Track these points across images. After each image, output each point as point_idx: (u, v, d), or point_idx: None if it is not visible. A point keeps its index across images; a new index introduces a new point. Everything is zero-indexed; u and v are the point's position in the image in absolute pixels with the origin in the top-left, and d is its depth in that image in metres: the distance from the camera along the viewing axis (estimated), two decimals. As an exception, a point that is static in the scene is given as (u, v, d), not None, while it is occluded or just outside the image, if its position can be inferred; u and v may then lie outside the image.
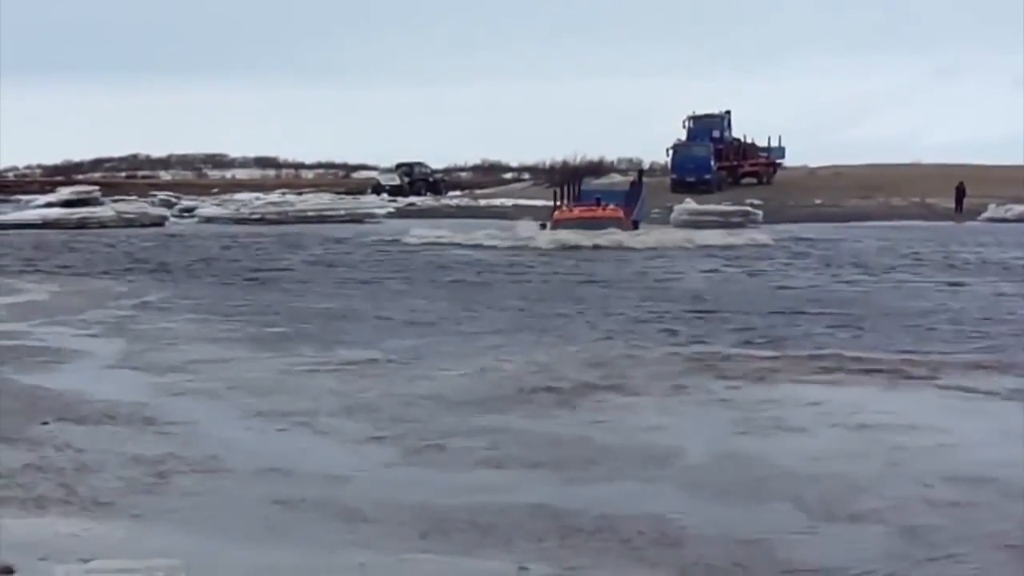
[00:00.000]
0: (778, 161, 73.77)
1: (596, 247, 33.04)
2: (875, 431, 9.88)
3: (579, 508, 7.60)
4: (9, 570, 6.00)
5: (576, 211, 38.65)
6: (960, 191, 59.04)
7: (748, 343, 14.91)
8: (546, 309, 18.71)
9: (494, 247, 34.17)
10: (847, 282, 23.68)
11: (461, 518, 7.43)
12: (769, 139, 73.24)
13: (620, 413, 10.63)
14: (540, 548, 6.86)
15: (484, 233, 37.21)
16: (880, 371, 12.72)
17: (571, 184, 44.06)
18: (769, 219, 46.51)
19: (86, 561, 6.16)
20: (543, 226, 37.52)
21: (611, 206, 38.62)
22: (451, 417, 10.42)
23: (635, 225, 38.36)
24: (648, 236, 36.85)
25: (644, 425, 10.14)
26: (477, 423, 10.16)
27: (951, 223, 50.41)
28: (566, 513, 7.50)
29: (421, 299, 20.29)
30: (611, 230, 35.72)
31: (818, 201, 63.13)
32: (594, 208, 38.35)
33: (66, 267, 27.23)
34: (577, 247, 33.22)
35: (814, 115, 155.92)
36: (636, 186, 43.90)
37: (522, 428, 9.97)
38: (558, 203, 40.58)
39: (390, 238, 37.40)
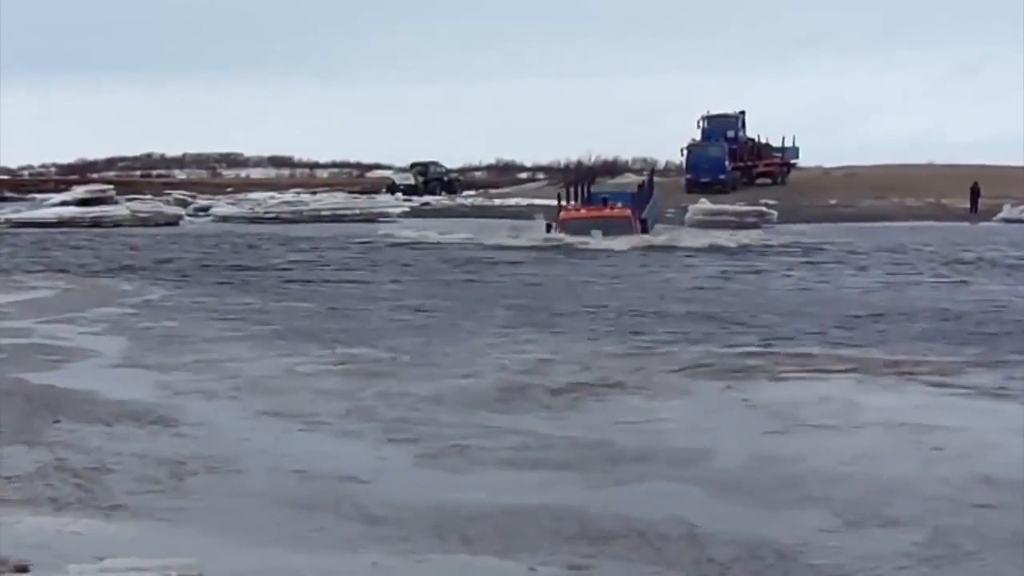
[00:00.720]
0: (792, 161, 73.60)
1: (607, 249, 32.82)
2: (896, 429, 9.92)
3: (601, 511, 7.59)
4: (24, 568, 6.03)
5: (582, 211, 38.18)
6: (975, 191, 58.86)
7: (755, 344, 14.95)
8: (548, 309, 18.72)
9: (500, 247, 34.01)
10: (863, 282, 23.64)
11: (478, 519, 7.44)
12: (783, 139, 73.08)
13: (632, 412, 10.65)
14: (560, 550, 6.87)
15: (492, 232, 37.26)
16: (899, 372, 12.77)
17: (580, 185, 43.64)
18: (784, 219, 46.38)
19: (100, 559, 6.19)
20: (549, 227, 36.94)
21: (618, 205, 38.20)
22: (458, 417, 10.45)
23: (643, 225, 37.83)
24: (656, 236, 36.70)
25: (656, 421, 10.16)
26: (489, 423, 10.19)
27: (966, 224, 50.27)
28: (588, 516, 7.49)
29: (427, 299, 20.35)
30: (617, 230, 35.21)
31: (832, 201, 62.98)
32: (600, 208, 37.90)
33: (78, 265, 27.34)
34: (583, 248, 32.95)
35: (829, 114, 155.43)
36: (646, 187, 43.38)
37: (532, 429, 9.99)
38: (564, 203, 40.26)
39: (400, 238, 37.35)
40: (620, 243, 33.54)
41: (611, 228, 35.45)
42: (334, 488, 8.10)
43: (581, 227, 35.77)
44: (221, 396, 11.40)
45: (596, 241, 33.99)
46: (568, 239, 34.51)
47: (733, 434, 9.85)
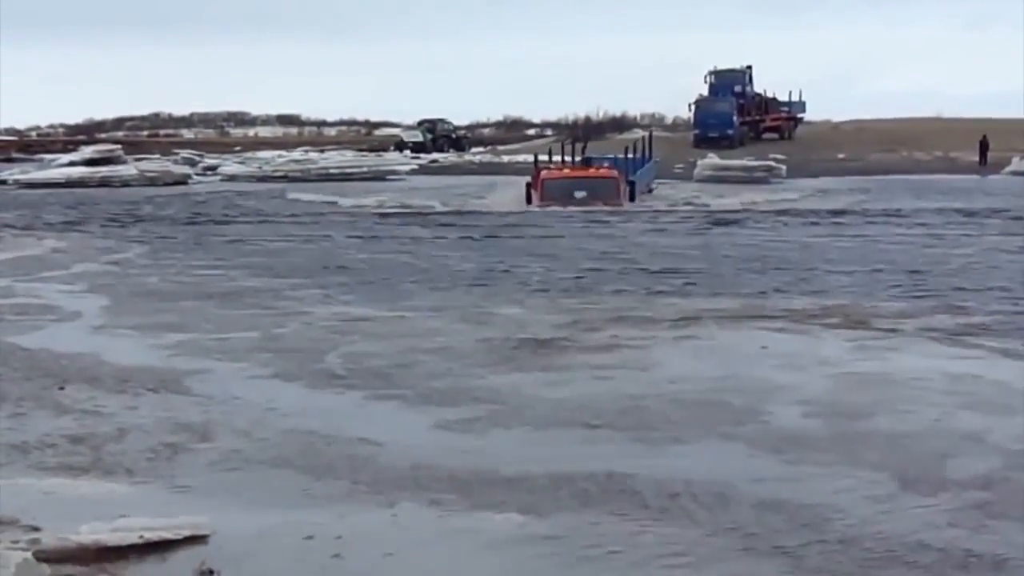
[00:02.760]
0: (799, 115, 73.59)
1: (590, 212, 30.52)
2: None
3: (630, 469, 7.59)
4: (36, 529, 6.10)
5: (565, 170, 35.67)
6: (984, 145, 58.81)
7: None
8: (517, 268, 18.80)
9: (477, 212, 32.47)
10: (879, 237, 23.68)
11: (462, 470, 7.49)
12: (790, 93, 73.10)
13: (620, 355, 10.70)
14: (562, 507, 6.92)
15: (467, 194, 37.10)
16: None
17: (574, 143, 40.86)
18: (793, 174, 46.20)
19: (112, 520, 6.25)
20: (529, 186, 33.99)
21: (605, 166, 35.64)
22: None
23: (631, 189, 34.15)
24: (643, 199, 34.73)
25: (649, 361, 10.20)
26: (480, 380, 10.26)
27: (975, 176, 50.17)
28: (615, 474, 7.48)
29: (400, 255, 20.68)
30: (603, 194, 32.46)
31: (841, 156, 62.95)
32: (585, 168, 35.44)
33: (75, 224, 27.61)
34: (560, 210, 30.83)
35: (837, 69, 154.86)
36: (642, 149, 39.60)
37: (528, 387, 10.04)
38: (546, 160, 37.61)
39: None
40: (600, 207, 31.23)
41: (595, 191, 32.74)
42: (347, 448, 8.12)
43: (562, 188, 33.03)
44: (220, 357, 11.37)
45: (575, 205, 31.62)
46: (546, 202, 32.16)
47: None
